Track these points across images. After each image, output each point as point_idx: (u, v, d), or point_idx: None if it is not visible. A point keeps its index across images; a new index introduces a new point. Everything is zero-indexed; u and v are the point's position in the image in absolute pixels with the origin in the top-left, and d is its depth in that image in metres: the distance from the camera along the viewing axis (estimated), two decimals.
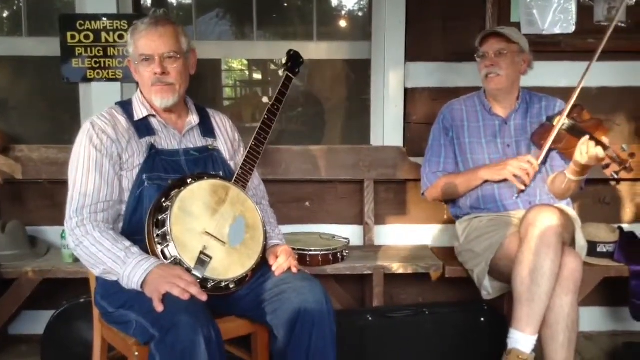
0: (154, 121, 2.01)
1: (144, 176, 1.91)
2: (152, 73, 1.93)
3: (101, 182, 1.87)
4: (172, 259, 1.75)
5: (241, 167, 2.01)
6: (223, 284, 1.81)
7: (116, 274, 1.76)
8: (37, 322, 2.73)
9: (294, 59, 2.24)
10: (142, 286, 1.71)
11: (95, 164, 1.88)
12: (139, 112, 2.00)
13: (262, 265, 1.92)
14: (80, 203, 1.84)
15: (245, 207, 1.93)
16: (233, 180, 1.97)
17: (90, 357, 2.07)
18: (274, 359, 1.87)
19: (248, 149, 2.04)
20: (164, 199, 1.82)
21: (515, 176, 2.34)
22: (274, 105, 2.12)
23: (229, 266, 1.82)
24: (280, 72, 2.19)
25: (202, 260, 1.77)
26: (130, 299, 1.74)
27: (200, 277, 1.75)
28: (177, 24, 2.00)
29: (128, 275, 1.73)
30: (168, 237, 1.76)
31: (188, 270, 1.74)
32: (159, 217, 1.79)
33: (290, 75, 2.20)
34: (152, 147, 1.95)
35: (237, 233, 1.87)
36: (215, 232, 1.83)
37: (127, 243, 1.80)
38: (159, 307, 1.62)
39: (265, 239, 1.95)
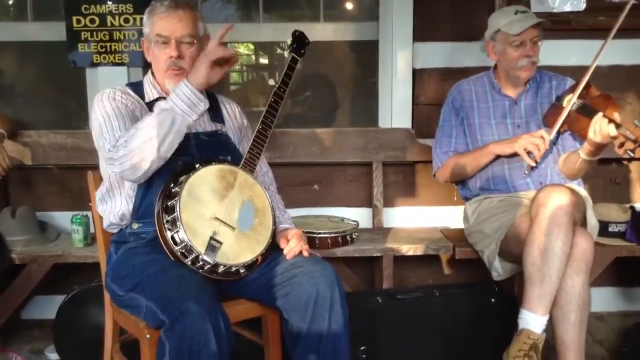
0: None
1: None
2: (168, 56, 1.93)
3: (122, 117, 1.87)
4: (182, 245, 1.75)
5: (249, 151, 1.99)
6: (234, 269, 1.81)
7: (167, 113, 1.76)
8: (49, 307, 2.75)
9: (299, 39, 2.19)
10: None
11: (112, 110, 1.88)
12: (150, 93, 2.01)
13: (273, 250, 1.92)
14: (112, 141, 1.82)
15: (253, 191, 1.92)
16: (241, 165, 1.95)
17: (102, 340, 2.07)
18: (286, 341, 1.88)
19: (255, 132, 2.02)
20: (172, 185, 1.82)
21: (526, 151, 2.31)
22: (280, 88, 2.09)
23: (239, 251, 1.82)
24: (286, 54, 2.15)
25: (213, 245, 1.77)
26: (141, 283, 1.74)
27: (212, 262, 1.75)
28: (196, 8, 2.00)
29: (177, 97, 1.77)
30: (178, 223, 1.75)
31: (197, 256, 1.74)
32: (168, 203, 1.79)
33: (296, 56, 2.15)
34: None
35: (246, 218, 1.86)
36: (224, 217, 1.82)
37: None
38: (224, 51, 1.79)
39: (275, 223, 1.94)
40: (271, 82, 2.15)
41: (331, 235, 2.53)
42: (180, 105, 1.77)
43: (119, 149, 1.78)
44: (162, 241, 1.78)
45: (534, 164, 2.33)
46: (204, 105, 1.82)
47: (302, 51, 2.18)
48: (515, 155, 2.37)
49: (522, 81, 2.49)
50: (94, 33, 2.86)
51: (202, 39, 2.02)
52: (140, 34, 2.82)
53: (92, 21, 2.85)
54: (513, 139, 2.38)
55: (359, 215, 2.92)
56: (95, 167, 2.01)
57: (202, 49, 1.99)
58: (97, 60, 2.87)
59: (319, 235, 2.52)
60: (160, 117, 1.76)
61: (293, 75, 2.12)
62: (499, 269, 2.33)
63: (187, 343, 1.55)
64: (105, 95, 1.93)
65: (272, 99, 2.07)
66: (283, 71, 2.12)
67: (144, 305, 1.70)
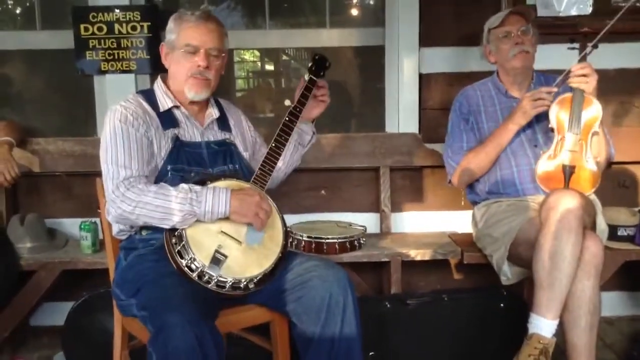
0: (177, 112, 2.02)
1: (169, 167, 1.91)
2: (195, 65, 1.94)
3: (129, 150, 1.86)
4: (188, 259, 1.75)
5: (260, 168, 1.98)
6: (242, 284, 1.78)
7: (194, 215, 1.77)
8: (57, 314, 2.75)
9: (319, 62, 2.16)
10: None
11: (121, 137, 1.86)
12: (164, 103, 2.00)
13: (285, 263, 1.90)
14: (122, 173, 1.82)
15: None
16: (252, 180, 1.96)
17: (111, 347, 2.07)
18: (297, 345, 1.88)
19: (268, 150, 2.01)
20: None
21: (538, 107, 2.33)
22: (296, 108, 2.08)
23: (245, 265, 1.80)
24: (306, 77, 2.13)
25: (217, 258, 1.76)
26: (140, 290, 1.75)
27: (215, 276, 1.74)
28: (223, 24, 2.02)
29: (210, 210, 1.77)
30: (183, 237, 1.76)
31: (202, 270, 1.73)
32: None
33: (314, 78, 2.13)
34: (176, 139, 1.96)
35: (255, 232, 1.85)
36: (231, 231, 1.82)
37: (185, 185, 1.80)
38: (261, 226, 1.83)
39: (286, 239, 1.93)
40: (287, 102, 2.13)
41: (339, 240, 2.52)
42: (212, 218, 1.79)
43: (126, 192, 1.79)
44: (169, 256, 1.78)
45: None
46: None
47: (322, 73, 2.16)
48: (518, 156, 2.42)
49: (520, 72, 2.50)
50: (102, 41, 2.87)
51: (226, 52, 2.05)
52: (148, 41, 2.86)
53: (99, 29, 2.87)
54: (519, 109, 2.36)
55: (367, 220, 2.92)
56: None
57: (223, 63, 2.04)
58: (104, 67, 2.89)
59: (327, 241, 2.51)
60: (188, 208, 1.76)
61: (310, 96, 2.12)
62: (508, 273, 2.32)
63: (170, 354, 1.53)
64: (118, 113, 1.90)
65: (287, 118, 2.06)
66: (300, 91, 2.11)
67: (138, 314, 1.72)
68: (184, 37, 1.95)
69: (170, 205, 1.76)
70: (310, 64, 2.15)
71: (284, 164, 2.23)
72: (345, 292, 1.81)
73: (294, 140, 2.21)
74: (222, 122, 2.12)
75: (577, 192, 2.12)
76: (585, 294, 2.04)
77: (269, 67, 3.94)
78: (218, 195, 1.79)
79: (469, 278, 2.97)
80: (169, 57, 2.01)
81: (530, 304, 2.10)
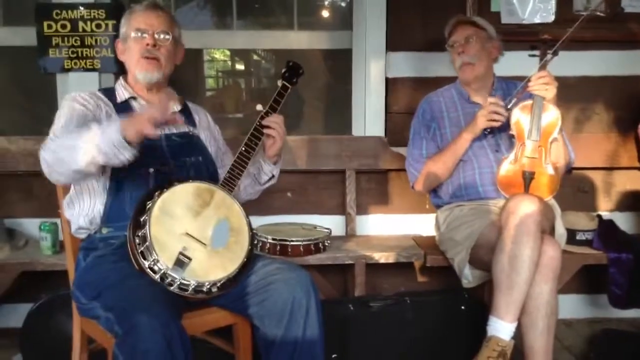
0: (135, 104, 2.01)
1: None
2: (144, 45, 1.97)
3: (71, 119, 1.88)
4: (152, 260, 1.72)
5: (229, 171, 1.98)
6: (205, 288, 1.77)
7: (92, 145, 1.66)
8: (16, 315, 2.69)
9: (293, 69, 2.17)
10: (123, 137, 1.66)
11: (67, 111, 1.91)
12: (121, 95, 2.01)
13: (249, 269, 1.89)
14: (51, 136, 1.86)
15: (230, 211, 1.90)
16: (219, 184, 1.95)
17: (70, 349, 2.04)
18: (259, 348, 1.87)
19: (237, 153, 2.02)
20: (147, 201, 1.80)
21: (491, 121, 2.37)
22: (268, 113, 2.09)
23: (209, 268, 1.79)
24: (279, 83, 2.14)
25: (181, 261, 1.74)
26: (102, 292, 1.73)
27: (178, 278, 1.72)
28: (172, 14, 2.07)
29: (105, 138, 1.65)
30: (147, 238, 1.74)
31: (165, 272, 1.71)
32: (140, 219, 1.77)
33: (287, 84, 2.14)
34: None
35: (221, 236, 1.84)
36: (196, 233, 1.80)
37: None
38: (153, 131, 1.65)
39: (251, 244, 1.91)
40: (259, 107, 2.14)
41: (304, 243, 2.53)
42: (109, 144, 1.67)
43: (45, 151, 1.75)
44: (132, 257, 1.75)
45: (499, 125, 2.39)
46: (129, 154, 1.70)
47: (295, 80, 2.17)
48: (481, 159, 2.46)
49: (472, 83, 2.55)
50: (65, 38, 2.83)
51: (178, 41, 2.08)
52: (113, 40, 2.80)
53: (63, 26, 2.82)
54: (473, 121, 2.42)
55: (332, 223, 2.93)
56: None
57: (175, 49, 2.06)
58: (68, 65, 2.84)
59: (292, 243, 2.51)
60: (85, 138, 1.68)
61: (282, 102, 2.12)
62: (469, 277, 2.35)
63: (139, 356, 1.51)
64: (71, 97, 1.96)
65: (258, 123, 2.07)
66: (272, 97, 2.12)
67: (102, 315, 1.68)
68: (134, 24, 1.99)
69: (77, 142, 1.69)
70: (283, 70, 2.17)
71: (243, 191, 2.23)
72: (308, 295, 1.81)
73: (252, 174, 2.21)
74: (186, 117, 2.11)
75: (536, 197, 2.16)
76: (543, 297, 2.07)
77: (240, 66, 3.93)
78: (109, 124, 1.71)
79: (432, 280, 2.99)
80: (124, 51, 2.04)
81: (490, 307, 2.13)
